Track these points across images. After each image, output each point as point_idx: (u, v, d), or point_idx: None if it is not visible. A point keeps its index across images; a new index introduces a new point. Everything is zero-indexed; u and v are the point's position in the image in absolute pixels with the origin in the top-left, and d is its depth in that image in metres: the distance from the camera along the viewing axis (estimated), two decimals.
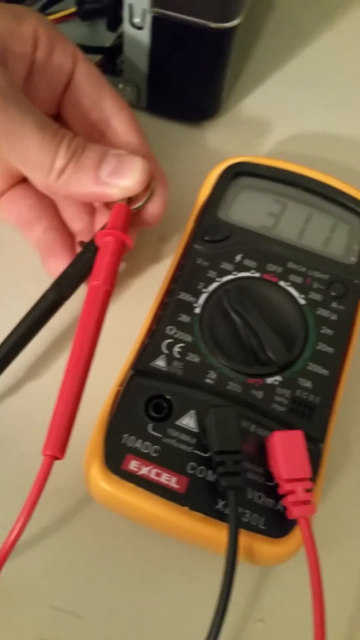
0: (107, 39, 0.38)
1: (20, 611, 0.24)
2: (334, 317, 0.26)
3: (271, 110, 0.39)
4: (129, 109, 0.30)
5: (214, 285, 0.27)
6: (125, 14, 0.33)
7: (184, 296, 0.27)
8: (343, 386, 0.26)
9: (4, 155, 0.27)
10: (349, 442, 0.28)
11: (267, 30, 0.44)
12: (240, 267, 0.28)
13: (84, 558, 0.25)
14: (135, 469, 0.22)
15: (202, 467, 0.23)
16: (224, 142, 0.38)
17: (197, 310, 0.26)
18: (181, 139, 0.38)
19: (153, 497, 0.22)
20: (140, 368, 0.25)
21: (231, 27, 0.32)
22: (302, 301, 0.27)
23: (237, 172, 0.31)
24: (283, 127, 0.39)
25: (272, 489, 0.22)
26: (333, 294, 0.27)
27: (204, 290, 0.27)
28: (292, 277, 0.27)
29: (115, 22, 0.37)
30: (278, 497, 0.22)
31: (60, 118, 0.31)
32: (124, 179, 0.27)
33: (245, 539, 0.21)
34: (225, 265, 0.28)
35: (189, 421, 0.23)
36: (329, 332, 0.26)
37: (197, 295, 0.27)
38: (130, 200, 0.28)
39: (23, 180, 0.31)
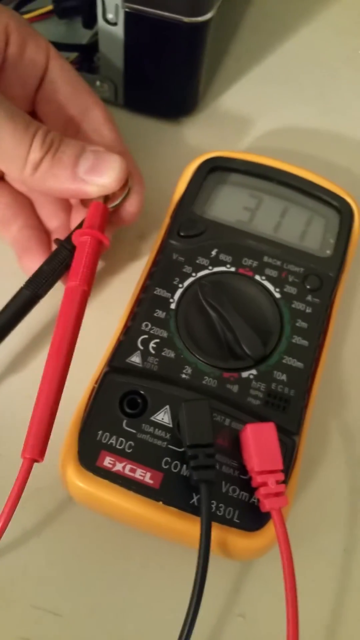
0: (84, 37, 0.38)
1: (1, 611, 0.23)
2: (309, 310, 0.26)
3: (249, 106, 0.39)
4: (103, 105, 0.30)
5: (190, 280, 0.27)
6: (99, 10, 0.33)
7: (160, 292, 0.27)
8: (319, 379, 0.26)
9: None
10: (327, 436, 0.28)
11: (245, 26, 0.44)
12: (215, 262, 0.27)
13: (64, 557, 0.25)
14: (110, 466, 0.22)
15: (176, 462, 0.23)
16: (203, 138, 0.38)
17: (173, 306, 0.26)
18: (159, 135, 0.37)
19: (127, 493, 0.22)
20: (116, 365, 0.25)
21: (204, 21, 0.32)
22: (277, 295, 0.27)
23: (213, 167, 0.31)
24: (261, 122, 0.39)
25: (246, 483, 0.22)
26: (308, 287, 0.27)
27: (180, 285, 0.27)
28: (268, 271, 0.27)
29: (91, 19, 0.36)
30: (253, 491, 0.22)
31: (34, 116, 0.31)
32: (101, 177, 0.27)
33: (219, 532, 0.21)
34: (201, 260, 0.27)
35: (163, 416, 0.23)
36: (304, 325, 0.26)
37: (172, 290, 0.27)
38: (107, 198, 0.28)
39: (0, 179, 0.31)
